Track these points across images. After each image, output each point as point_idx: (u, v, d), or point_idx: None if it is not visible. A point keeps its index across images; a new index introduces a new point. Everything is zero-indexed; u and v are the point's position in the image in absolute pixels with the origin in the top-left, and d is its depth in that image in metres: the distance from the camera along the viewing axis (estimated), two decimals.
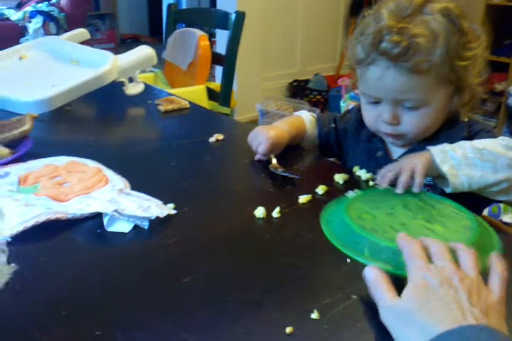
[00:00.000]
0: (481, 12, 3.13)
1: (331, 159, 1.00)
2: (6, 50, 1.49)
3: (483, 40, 0.81)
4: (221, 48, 2.08)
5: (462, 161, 0.72)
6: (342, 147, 0.99)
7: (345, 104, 2.68)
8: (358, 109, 0.97)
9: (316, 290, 0.56)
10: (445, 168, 0.72)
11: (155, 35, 5.77)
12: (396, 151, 0.90)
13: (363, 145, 0.94)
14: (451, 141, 0.80)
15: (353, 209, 0.68)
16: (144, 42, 5.68)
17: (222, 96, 1.97)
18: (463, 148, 0.73)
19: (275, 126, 0.94)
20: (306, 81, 3.51)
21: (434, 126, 0.83)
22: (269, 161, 0.87)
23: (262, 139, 0.88)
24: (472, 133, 0.83)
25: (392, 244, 0.57)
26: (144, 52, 1.31)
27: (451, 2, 0.78)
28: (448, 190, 0.73)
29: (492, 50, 3.32)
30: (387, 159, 0.89)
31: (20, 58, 1.46)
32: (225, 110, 1.95)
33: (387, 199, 0.71)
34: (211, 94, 2.00)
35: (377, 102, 0.82)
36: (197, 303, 0.54)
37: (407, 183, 0.71)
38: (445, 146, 0.74)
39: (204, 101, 1.91)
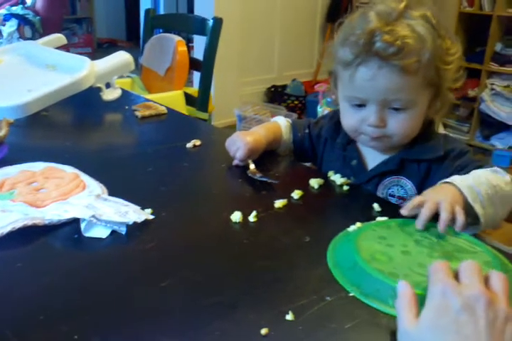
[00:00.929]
0: (454, 20, 3.20)
1: (307, 164, 1.02)
2: None
3: (459, 47, 0.83)
4: (199, 54, 2.09)
5: (486, 200, 0.72)
6: (316, 152, 1.01)
7: (322, 110, 2.71)
8: (331, 116, 0.98)
9: (291, 292, 0.57)
10: (477, 208, 0.71)
11: (132, 40, 5.75)
12: (371, 160, 0.91)
13: (337, 153, 0.95)
14: (427, 153, 0.83)
15: (364, 250, 0.62)
16: (121, 47, 5.65)
17: (200, 101, 1.98)
18: (482, 184, 0.73)
19: (253, 131, 0.95)
20: (284, 86, 3.55)
21: (416, 129, 0.84)
22: (247, 166, 0.88)
23: (239, 145, 0.89)
24: (457, 158, 0.83)
25: (419, 291, 0.52)
26: (122, 57, 1.32)
27: (427, 10, 0.80)
28: (476, 231, 0.73)
29: (465, 56, 3.39)
30: (362, 168, 0.90)
31: None
32: (203, 115, 1.96)
33: (396, 235, 0.66)
34: (189, 99, 2.01)
35: (361, 105, 0.82)
36: (174, 307, 0.55)
37: (449, 222, 0.67)
38: (467, 180, 0.73)
39: (182, 107, 1.92)
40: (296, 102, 3.44)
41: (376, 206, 0.76)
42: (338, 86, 0.86)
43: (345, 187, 0.84)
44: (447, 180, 0.74)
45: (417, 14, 0.79)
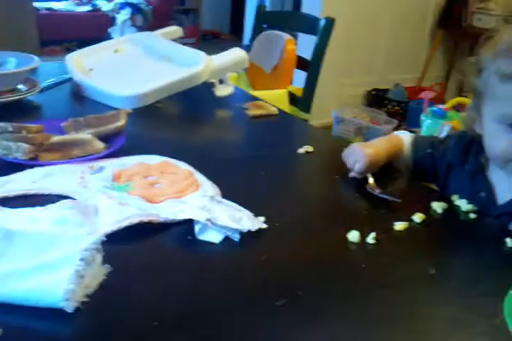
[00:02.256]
0: None
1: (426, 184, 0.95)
2: (103, 43, 1.53)
3: None
4: (302, 52, 2.05)
5: None
6: (438, 175, 0.93)
7: (425, 119, 2.58)
8: (459, 138, 0.90)
9: (414, 333, 0.52)
10: None
11: (235, 33, 5.82)
12: (503, 193, 0.81)
13: (464, 181, 0.86)
14: None
15: None
16: (224, 40, 5.74)
17: (304, 101, 1.95)
18: None
19: (373, 143, 0.90)
20: (386, 90, 3.42)
21: None
22: (365, 180, 0.83)
23: (359, 156, 0.84)
24: None
25: None
26: (237, 55, 1.31)
27: None
28: None
29: None
30: (492, 201, 0.82)
31: (116, 51, 1.50)
32: (306, 116, 1.92)
33: None
34: (291, 98, 1.98)
35: None
36: (288, 330, 0.51)
37: None
38: None
39: (285, 105, 1.89)
40: (397, 108, 3.31)
41: (509, 241, 0.69)
42: (487, 103, 0.77)
43: (472, 215, 0.77)
44: None
45: None
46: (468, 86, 0.80)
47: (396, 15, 3.42)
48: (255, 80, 2.13)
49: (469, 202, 0.79)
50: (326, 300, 0.57)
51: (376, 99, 3.40)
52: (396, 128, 2.94)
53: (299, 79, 2.11)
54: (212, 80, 1.27)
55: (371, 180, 0.82)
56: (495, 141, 0.77)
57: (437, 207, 0.78)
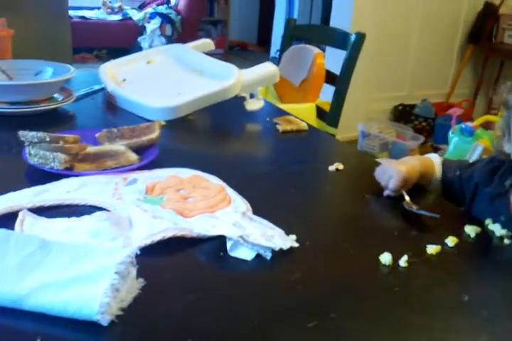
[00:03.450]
0: None
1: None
2: (136, 53, 1.56)
3: None
4: (330, 66, 2.06)
5: None
6: (465, 196, 0.92)
7: (453, 136, 2.55)
8: (488, 161, 0.90)
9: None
10: None
11: (262, 45, 5.87)
12: None
13: (486, 204, 0.86)
14: None
15: None
16: (251, 51, 5.79)
17: (332, 116, 1.94)
18: None
19: (405, 161, 0.90)
20: (413, 106, 3.40)
21: None
22: (396, 199, 0.83)
23: (392, 173, 0.84)
24: None
25: None
26: (268, 69, 1.32)
27: None
28: None
29: None
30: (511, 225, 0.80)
31: (148, 62, 1.52)
32: (333, 131, 1.92)
33: None
34: (319, 112, 1.98)
35: None
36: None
37: None
38: None
39: (313, 119, 1.90)
40: (424, 124, 3.28)
41: None
42: None
43: (507, 241, 0.75)
44: None
45: None
46: (501, 103, 0.80)
47: (425, 30, 3.40)
48: (283, 93, 2.14)
49: (503, 227, 0.78)
50: (358, 323, 0.56)
51: (403, 114, 3.38)
52: (422, 145, 2.92)
53: (326, 93, 2.11)
54: (243, 94, 1.28)
55: (407, 198, 0.82)
56: None
57: (470, 230, 0.76)
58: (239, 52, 5.75)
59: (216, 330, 0.53)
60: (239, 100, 1.27)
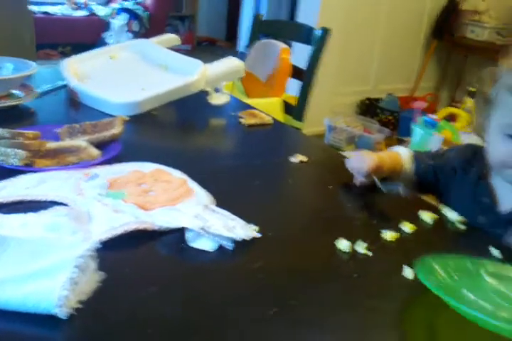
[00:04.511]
0: None
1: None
2: (99, 49, 1.54)
3: None
4: (297, 61, 2.08)
5: None
6: (440, 185, 0.95)
7: (416, 128, 2.60)
8: (461, 149, 0.94)
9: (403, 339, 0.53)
10: None
11: (230, 40, 5.85)
12: (505, 201, 0.84)
13: (467, 188, 0.89)
14: None
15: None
16: (219, 47, 5.77)
17: (298, 110, 1.96)
18: None
19: (373, 153, 0.92)
20: (378, 100, 3.45)
21: None
22: (362, 191, 0.85)
23: (366, 160, 0.87)
24: None
25: None
26: (233, 64, 1.32)
27: None
28: None
29: None
30: (492, 207, 0.84)
31: (111, 58, 1.51)
32: (298, 124, 1.94)
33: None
34: (286, 106, 2.00)
35: None
36: (281, 338, 0.52)
37: None
38: None
39: (279, 114, 1.91)
40: (389, 117, 3.34)
41: (495, 252, 0.70)
42: (493, 114, 0.81)
43: (461, 226, 0.78)
44: None
45: None
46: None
47: (391, 25, 3.46)
48: (250, 88, 2.14)
49: (471, 208, 0.81)
50: (318, 309, 0.57)
51: (369, 108, 3.43)
52: (388, 138, 2.98)
53: (293, 87, 2.13)
54: (208, 89, 1.28)
55: (378, 182, 0.84)
56: (495, 147, 0.81)
57: (427, 217, 0.79)
58: (207, 47, 5.72)
59: (177, 320, 0.54)
60: (203, 95, 1.27)
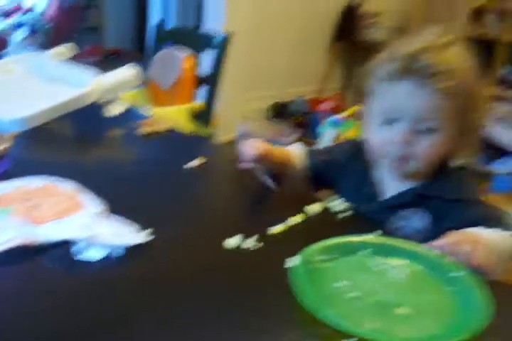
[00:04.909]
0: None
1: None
2: None
3: (486, 90, 0.85)
4: (207, 68, 2.10)
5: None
6: (332, 178, 1.00)
7: (324, 129, 2.71)
8: (351, 143, 1.00)
9: (284, 324, 0.57)
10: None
11: (140, 51, 5.79)
12: (387, 190, 0.91)
13: (353, 179, 0.95)
14: (447, 192, 0.85)
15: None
16: (129, 58, 5.69)
17: (204, 117, 1.99)
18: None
19: (265, 143, 0.94)
20: (289, 103, 3.56)
21: (437, 157, 0.85)
22: (252, 188, 0.88)
23: (255, 146, 0.89)
24: (474, 205, 0.85)
25: None
26: (128, 73, 1.33)
27: (467, 49, 0.84)
28: None
29: None
30: (375, 196, 0.91)
31: (5, 72, 1.46)
32: (207, 131, 1.96)
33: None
34: (193, 114, 2.02)
35: (393, 123, 0.83)
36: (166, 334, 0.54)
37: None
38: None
39: (186, 122, 1.92)
40: (300, 119, 3.45)
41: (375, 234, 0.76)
42: (372, 103, 0.87)
43: (346, 214, 0.84)
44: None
45: (460, 49, 0.83)
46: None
47: (295, 29, 3.58)
48: (155, 98, 2.14)
49: (357, 199, 0.87)
50: (201, 308, 0.60)
51: (280, 111, 3.53)
52: (299, 139, 3.07)
53: (203, 94, 2.14)
54: (104, 100, 1.27)
55: (260, 170, 0.88)
56: (373, 135, 0.88)
57: (314, 209, 0.84)
58: (116, 59, 5.62)
59: (69, 331, 0.54)
60: (100, 106, 1.26)
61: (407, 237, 0.75)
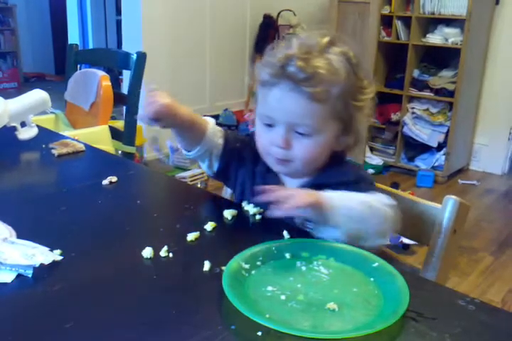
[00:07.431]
0: (374, 49, 3.38)
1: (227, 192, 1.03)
2: None
3: (373, 89, 0.88)
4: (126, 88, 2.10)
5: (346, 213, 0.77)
6: (232, 168, 0.97)
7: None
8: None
9: (196, 324, 0.58)
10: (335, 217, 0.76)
11: (61, 74, 5.66)
12: (291, 186, 0.92)
13: (257, 181, 0.94)
14: (335, 177, 0.87)
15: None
16: (49, 81, 5.54)
17: (126, 135, 1.98)
18: (350, 200, 0.78)
19: (174, 100, 0.88)
20: (216, 116, 3.60)
21: (319, 158, 0.88)
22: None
23: (156, 100, 0.84)
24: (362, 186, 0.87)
25: None
26: (38, 96, 1.30)
27: (350, 50, 0.86)
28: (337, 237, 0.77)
29: (386, 83, 3.60)
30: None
31: None
32: (130, 149, 1.95)
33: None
34: (116, 133, 2.00)
35: (271, 126, 0.85)
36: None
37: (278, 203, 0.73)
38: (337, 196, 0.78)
39: (107, 141, 1.91)
40: (232, 130, 3.50)
41: (286, 233, 0.79)
42: (256, 106, 0.89)
43: (258, 217, 0.86)
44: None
45: (338, 50, 0.84)
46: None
47: (216, 45, 3.66)
48: (75, 119, 2.11)
49: (256, 206, 0.89)
50: (117, 310, 0.61)
51: None
52: None
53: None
54: (13, 124, 1.24)
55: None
56: (258, 137, 0.90)
57: (228, 214, 0.86)
58: (36, 83, 5.46)
59: None
60: (10, 130, 1.23)
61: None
